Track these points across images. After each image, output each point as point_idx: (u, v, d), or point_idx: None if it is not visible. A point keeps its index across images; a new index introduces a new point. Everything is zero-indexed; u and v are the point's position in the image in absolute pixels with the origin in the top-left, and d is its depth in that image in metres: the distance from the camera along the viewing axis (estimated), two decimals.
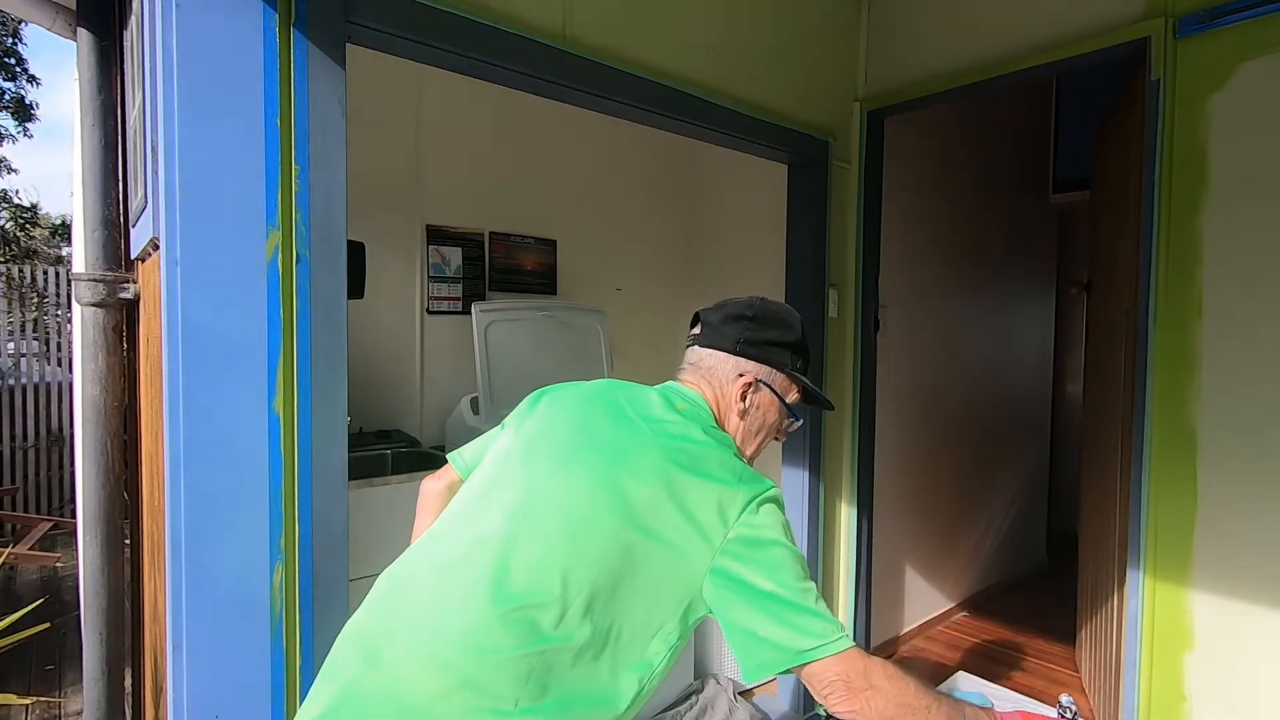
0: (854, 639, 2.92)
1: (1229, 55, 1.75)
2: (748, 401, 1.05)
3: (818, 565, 2.52)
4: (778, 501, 0.91)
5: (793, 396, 1.09)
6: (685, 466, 0.89)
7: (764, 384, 1.06)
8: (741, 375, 1.05)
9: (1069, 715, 1.06)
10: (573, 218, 2.93)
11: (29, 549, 4.05)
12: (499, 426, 1.11)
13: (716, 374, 1.06)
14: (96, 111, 1.78)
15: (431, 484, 1.17)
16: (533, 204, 2.79)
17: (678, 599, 0.86)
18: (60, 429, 5.46)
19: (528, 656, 0.79)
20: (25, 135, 9.23)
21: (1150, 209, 1.86)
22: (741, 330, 1.06)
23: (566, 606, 0.82)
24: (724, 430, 1.04)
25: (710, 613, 0.87)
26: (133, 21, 1.66)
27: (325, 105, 1.29)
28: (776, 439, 1.12)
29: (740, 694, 2.55)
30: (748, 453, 1.07)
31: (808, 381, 1.10)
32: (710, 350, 1.07)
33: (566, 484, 0.89)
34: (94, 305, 1.73)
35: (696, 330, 1.12)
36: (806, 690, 2.58)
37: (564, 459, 0.93)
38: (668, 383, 1.09)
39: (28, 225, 10.08)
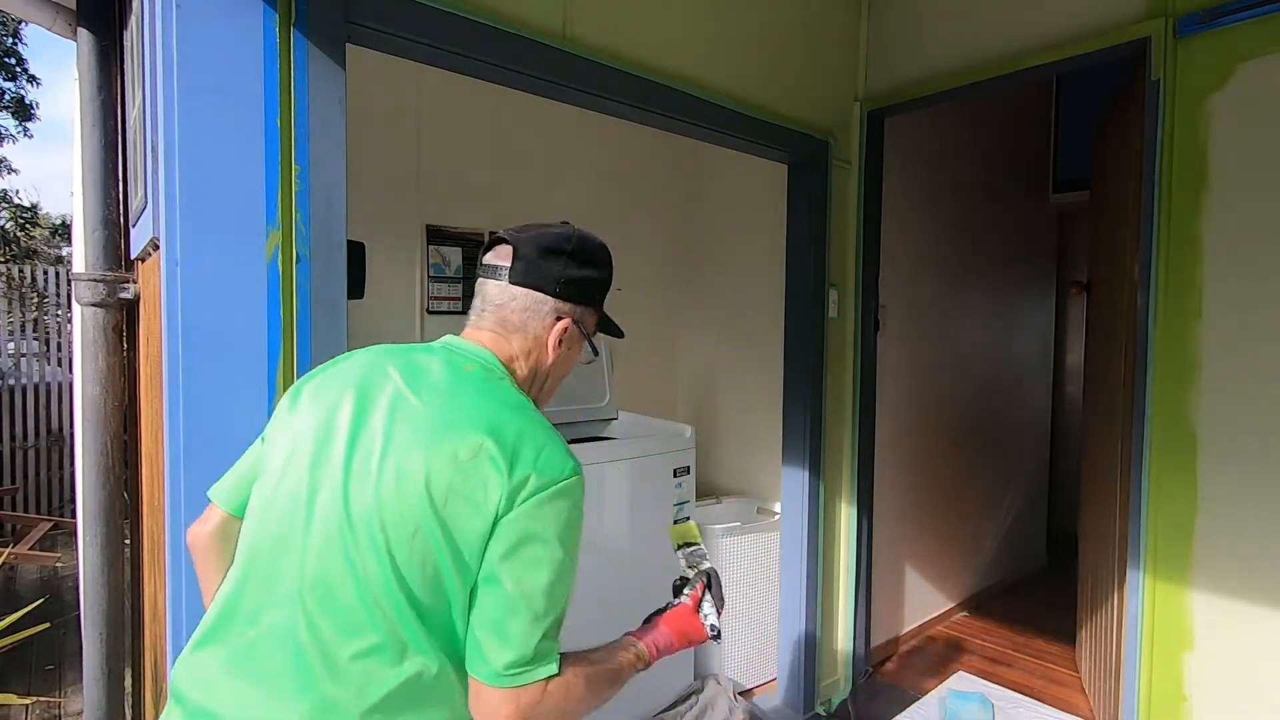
0: (853, 639, 2.89)
1: (1229, 55, 1.75)
2: (564, 345, 0.96)
3: (818, 565, 2.52)
4: (570, 494, 0.82)
5: (591, 329, 1.01)
6: (476, 443, 0.79)
7: (577, 324, 0.97)
8: (561, 318, 0.95)
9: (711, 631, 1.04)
10: (573, 218, 2.92)
11: (29, 549, 4.05)
12: (259, 440, 0.94)
13: (529, 316, 0.94)
14: (96, 111, 1.78)
15: (200, 529, 0.95)
16: (532, 204, 2.79)
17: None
18: (60, 429, 5.46)
19: (382, 703, 0.75)
20: (25, 135, 9.25)
21: (1150, 209, 1.86)
22: (562, 268, 0.94)
23: (403, 638, 0.76)
24: (515, 378, 0.93)
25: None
26: (133, 21, 1.66)
27: (325, 105, 1.29)
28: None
29: (740, 694, 2.55)
30: (546, 395, 1.00)
31: (609, 315, 1.04)
32: (526, 290, 0.94)
33: (359, 497, 0.78)
34: (94, 305, 1.73)
35: (503, 262, 0.95)
36: (806, 689, 2.58)
37: (345, 467, 0.80)
38: (445, 339, 0.95)
39: (28, 225, 10.09)
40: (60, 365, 5.68)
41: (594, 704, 0.85)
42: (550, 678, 0.78)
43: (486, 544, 0.78)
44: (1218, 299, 1.78)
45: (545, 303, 0.94)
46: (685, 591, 1.07)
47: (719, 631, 1.04)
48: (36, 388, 5.43)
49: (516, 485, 0.78)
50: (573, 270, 0.95)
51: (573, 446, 0.86)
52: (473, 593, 0.79)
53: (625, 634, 0.99)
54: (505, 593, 0.77)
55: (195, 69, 1.15)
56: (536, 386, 0.97)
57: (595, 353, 1.02)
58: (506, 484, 0.78)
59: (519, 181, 2.75)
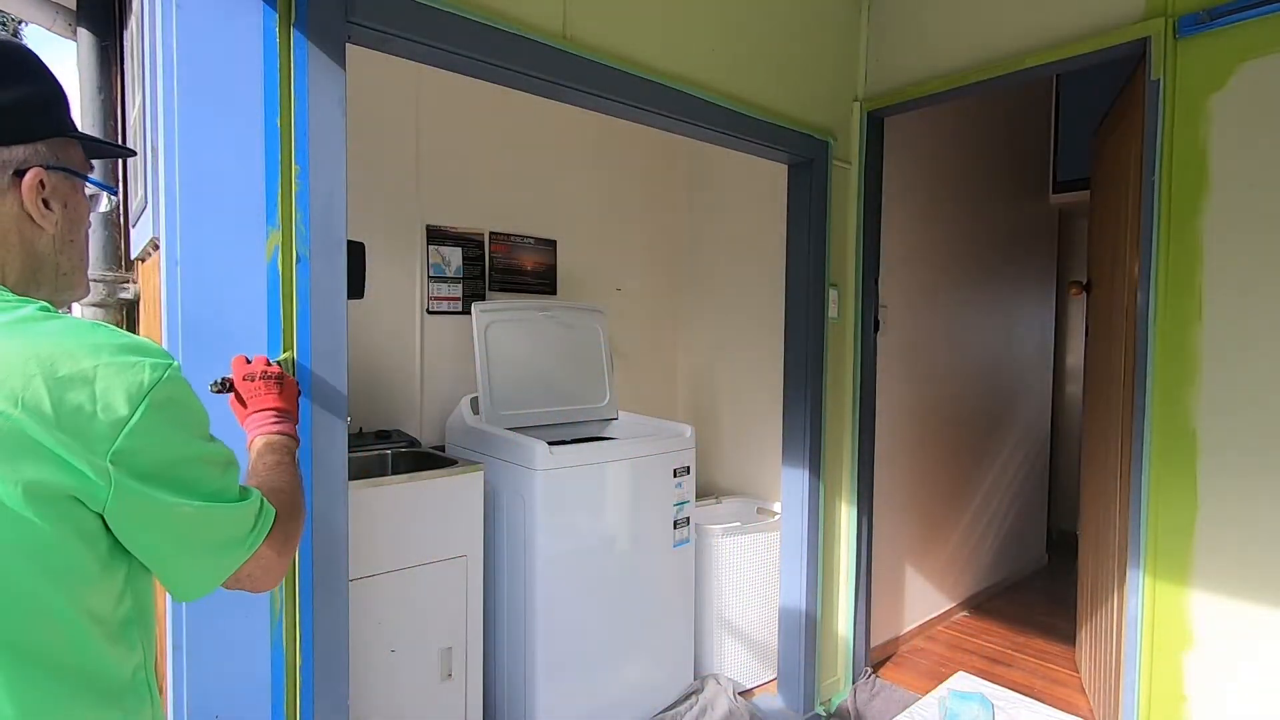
0: (853, 639, 2.88)
1: (1229, 55, 1.75)
2: (53, 207, 0.71)
3: (818, 565, 2.52)
4: (165, 396, 0.64)
5: (78, 160, 0.76)
6: None
7: (55, 168, 0.71)
8: (24, 171, 0.69)
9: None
10: (573, 218, 2.93)
11: None
12: None
13: None
14: (96, 111, 1.78)
15: None
16: (533, 204, 2.79)
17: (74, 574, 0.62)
18: None
19: None
20: None
21: (1150, 209, 1.86)
22: None
23: None
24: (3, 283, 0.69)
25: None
26: (133, 21, 1.66)
27: (325, 105, 1.29)
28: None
29: (740, 694, 2.55)
30: (76, 273, 0.77)
31: (94, 135, 0.82)
32: None
33: None
34: (94, 305, 1.73)
35: None
36: (806, 690, 2.58)
37: None
38: None
39: None
40: None
41: (299, 503, 0.86)
42: (267, 508, 0.76)
43: (103, 501, 0.61)
44: (1218, 299, 1.78)
45: None
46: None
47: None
48: None
49: (94, 443, 0.60)
50: (9, 94, 0.68)
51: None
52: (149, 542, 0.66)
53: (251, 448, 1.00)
54: (184, 515, 0.66)
55: (195, 69, 1.15)
56: (49, 274, 0.73)
57: (113, 191, 0.82)
58: (82, 451, 0.59)
59: (519, 181, 2.75)
